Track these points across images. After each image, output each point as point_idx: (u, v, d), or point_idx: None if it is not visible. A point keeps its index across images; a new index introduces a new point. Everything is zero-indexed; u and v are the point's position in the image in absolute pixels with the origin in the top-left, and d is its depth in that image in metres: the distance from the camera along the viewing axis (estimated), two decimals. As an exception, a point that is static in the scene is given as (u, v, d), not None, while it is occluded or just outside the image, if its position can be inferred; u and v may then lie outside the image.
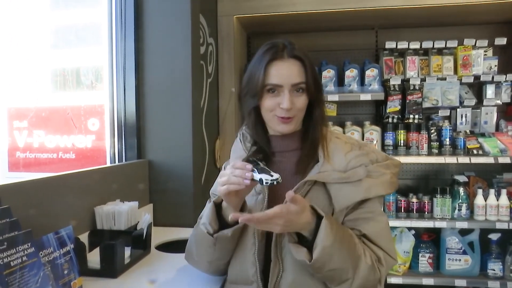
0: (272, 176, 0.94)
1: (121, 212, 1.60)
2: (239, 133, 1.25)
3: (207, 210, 1.11)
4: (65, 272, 1.14)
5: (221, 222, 1.09)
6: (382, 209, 1.15)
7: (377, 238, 1.06)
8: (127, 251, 1.44)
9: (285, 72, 1.07)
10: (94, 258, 1.35)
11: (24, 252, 0.99)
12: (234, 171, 0.96)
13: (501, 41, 2.78)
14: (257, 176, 0.94)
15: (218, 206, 1.10)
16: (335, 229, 0.96)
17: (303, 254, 0.96)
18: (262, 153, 1.16)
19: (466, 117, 2.89)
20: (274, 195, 1.09)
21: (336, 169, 1.07)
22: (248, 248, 1.10)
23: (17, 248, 0.97)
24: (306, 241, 0.99)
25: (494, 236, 2.73)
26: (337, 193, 1.06)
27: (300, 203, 0.93)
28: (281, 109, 1.07)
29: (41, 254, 1.06)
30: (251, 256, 1.09)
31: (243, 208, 1.07)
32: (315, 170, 1.09)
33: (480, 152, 2.74)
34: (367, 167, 1.07)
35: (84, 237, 1.44)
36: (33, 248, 1.02)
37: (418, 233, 2.87)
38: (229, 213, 1.04)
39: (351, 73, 2.87)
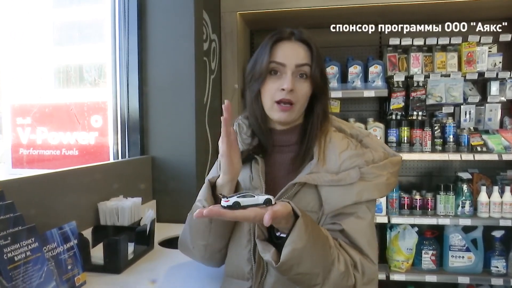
0: (265, 195, 0.86)
1: (124, 208, 1.61)
2: (235, 123, 1.18)
3: (203, 188, 1.06)
4: (69, 267, 1.15)
5: (216, 202, 1.00)
6: (374, 209, 1.08)
7: (356, 236, 1.00)
8: (131, 247, 1.45)
9: (290, 51, 1.03)
10: (97, 253, 1.35)
11: (28, 247, 0.99)
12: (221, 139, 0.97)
13: (506, 37, 2.76)
14: (261, 198, 0.84)
15: (213, 186, 1.04)
16: (310, 230, 0.88)
17: (270, 254, 0.88)
18: (260, 146, 1.11)
19: (470, 114, 2.87)
20: (270, 192, 1.01)
21: (329, 170, 1.02)
22: (243, 245, 1.07)
23: (21, 243, 0.98)
24: (277, 238, 0.92)
25: (497, 233, 2.72)
26: (328, 196, 1.01)
27: (280, 217, 0.84)
28: (280, 92, 1.02)
29: (45, 249, 1.06)
30: (247, 253, 1.06)
31: (237, 189, 1.03)
32: (307, 169, 1.04)
33: (484, 149, 2.73)
34: (361, 169, 1.02)
35: (87, 233, 1.45)
36: (37, 243, 1.02)
37: (421, 230, 2.86)
38: (224, 191, 1.00)
39: (354, 70, 2.86)
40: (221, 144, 0.98)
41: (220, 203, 0.85)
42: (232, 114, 1.01)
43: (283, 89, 1.02)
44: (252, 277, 1.06)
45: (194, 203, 1.12)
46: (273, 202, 0.85)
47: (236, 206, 0.82)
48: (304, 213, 0.89)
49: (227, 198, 0.83)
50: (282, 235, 0.91)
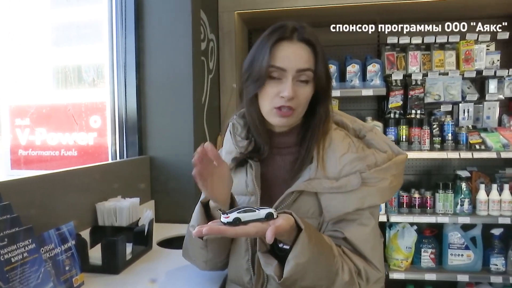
0: (266, 209, 0.83)
1: (122, 209, 1.61)
2: (229, 123, 1.14)
3: (195, 212, 1.03)
4: (67, 268, 1.15)
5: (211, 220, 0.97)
6: (378, 213, 1.04)
7: (360, 244, 0.96)
8: (129, 248, 1.44)
9: (291, 55, 0.95)
10: (95, 254, 1.35)
11: (25, 249, 0.99)
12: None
13: (504, 35, 2.76)
14: (262, 212, 0.81)
15: (207, 205, 1.02)
16: (314, 243, 0.85)
17: (273, 268, 0.85)
18: (256, 148, 1.06)
19: (468, 112, 2.87)
20: (268, 197, 1.02)
21: (328, 175, 0.97)
22: (242, 255, 1.05)
23: (17, 244, 0.98)
24: (280, 250, 0.89)
25: (496, 231, 2.72)
26: (328, 203, 0.96)
27: (282, 232, 0.81)
28: (280, 99, 0.95)
29: (42, 250, 1.06)
30: (245, 263, 1.04)
31: (233, 205, 0.98)
32: (306, 174, 0.99)
33: (483, 147, 2.72)
34: (363, 174, 0.96)
35: (85, 234, 1.45)
36: (34, 244, 1.02)
37: (421, 229, 2.86)
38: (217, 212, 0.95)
39: (352, 69, 2.86)
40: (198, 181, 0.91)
41: (220, 219, 0.81)
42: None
43: (283, 96, 0.95)
44: (252, 287, 1.04)
45: (188, 225, 1.10)
46: (274, 216, 0.82)
47: (236, 222, 0.79)
48: (307, 225, 0.86)
49: (227, 214, 0.80)
50: (285, 246, 0.88)
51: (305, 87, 0.97)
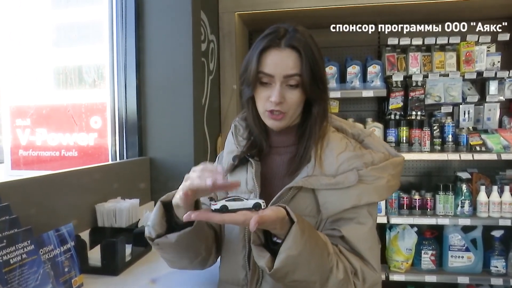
0: (255, 199, 0.84)
1: (122, 210, 1.61)
2: (232, 125, 1.16)
3: (154, 211, 1.00)
4: (66, 269, 1.15)
5: (171, 222, 0.97)
6: (376, 213, 1.04)
7: (357, 243, 0.97)
8: (128, 249, 1.44)
9: (278, 62, 0.97)
10: (95, 255, 1.35)
11: (23, 250, 0.99)
12: (203, 174, 0.84)
13: (504, 37, 2.76)
14: (250, 202, 0.83)
15: (168, 205, 0.98)
16: (306, 237, 0.86)
17: (265, 260, 0.86)
18: (256, 147, 1.09)
19: (469, 113, 2.87)
20: (267, 194, 1.02)
21: (326, 173, 0.98)
22: (238, 251, 1.05)
23: (16, 245, 0.97)
24: (274, 243, 0.90)
25: (497, 233, 2.72)
26: (325, 200, 0.97)
27: (268, 221, 0.82)
28: (270, 103, 0.98)
29: (41, 251, 1.06)
30: (241, 259, 1.04)
31: (197, 207, 0.94)
32: (304, 172, 1.00)
33: (483, 148, 2.72)
34: (360, 171, 0.97)
35: (85, 235, 1.45)
36: (33, 245, 1.02)
37: (421, 230, 2.86)
38: (180, 212, 0.92)
39: (353, 70, 2.85)
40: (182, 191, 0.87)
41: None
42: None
43: (271, 101, 0.98)
44: (247, 283, 1.04)
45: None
46: (262, 207, 0.83)
47: (223, 209, 0.81)
48: (301, 219, 0.87)
49: (215, 201, 0.83)
50: (278, 240, 0.88)
51: (294, 91, 0.99)
